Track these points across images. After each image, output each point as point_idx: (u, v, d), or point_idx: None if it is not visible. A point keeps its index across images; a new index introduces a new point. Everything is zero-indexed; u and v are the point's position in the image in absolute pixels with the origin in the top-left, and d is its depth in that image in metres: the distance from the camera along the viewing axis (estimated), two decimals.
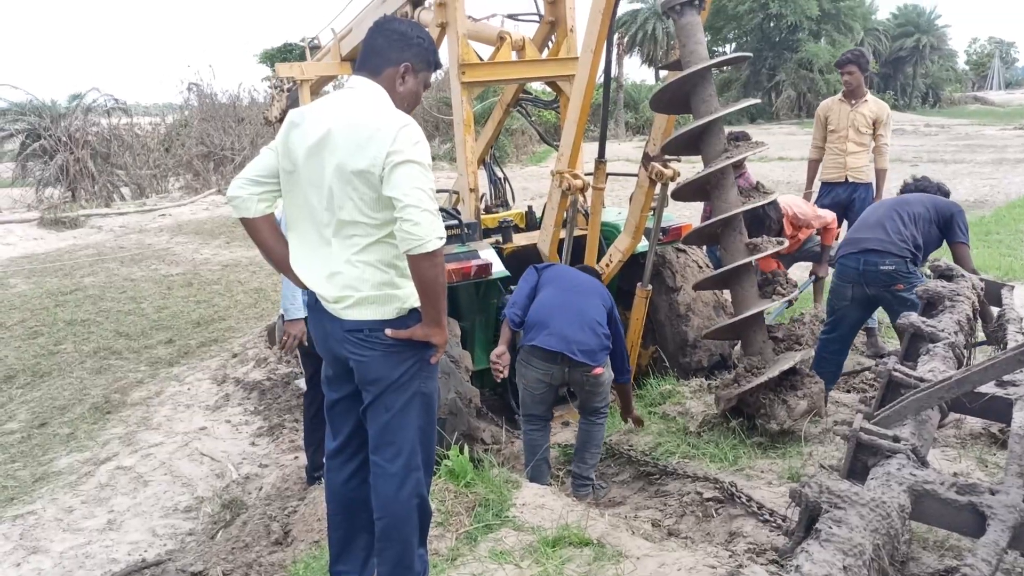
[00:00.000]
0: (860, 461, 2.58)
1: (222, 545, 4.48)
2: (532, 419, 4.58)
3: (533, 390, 4.48)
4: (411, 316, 2.80)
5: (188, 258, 13.41)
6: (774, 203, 5.37)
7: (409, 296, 2.78)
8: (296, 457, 5.48)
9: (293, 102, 7.93)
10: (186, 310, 9.86)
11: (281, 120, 8.34)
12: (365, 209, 2.67)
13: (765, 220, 5.39)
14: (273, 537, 4.40)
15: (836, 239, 6.58)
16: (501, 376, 4.48)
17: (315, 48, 8.25)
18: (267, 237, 2.97)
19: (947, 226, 5.04)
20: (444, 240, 2.61)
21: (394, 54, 2.86)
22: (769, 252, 4.45)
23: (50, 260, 13.85)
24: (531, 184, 18.02)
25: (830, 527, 2.03)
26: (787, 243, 4.93)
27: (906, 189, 5.52)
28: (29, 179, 20.72)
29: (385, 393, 2.81)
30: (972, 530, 2.27)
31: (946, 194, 5.33)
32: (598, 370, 4.38)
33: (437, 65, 3.06)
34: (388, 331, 2.75)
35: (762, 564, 3.33)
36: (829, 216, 6.55)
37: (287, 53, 36.96)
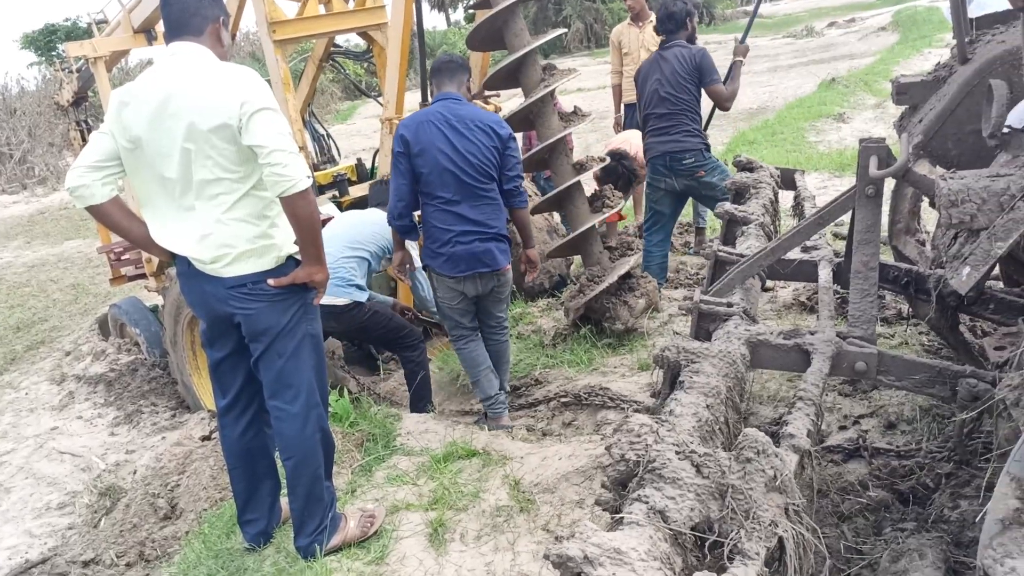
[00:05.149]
0: (703, 328, 2.97)
1: (108, 530, 4.44)
2: (461, 330, 4.42)
3: (451, 302, 4.32)
4: (288, 264, 2.93)
5: None
6: (626, 155, 5.88)
7: (284, 244, 2.91)
8: (164, 437, 5.43)
9: (86, 82, 7.54)
10: (0, 317, 9.26)
11: (75, 103, 7.91)
12: (226, 164, 2.75)
13: (630, 176, 5.92)
14: (161, 513, 4.41)
15: None
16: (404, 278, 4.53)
17: (102, 23, 7.83)
18: (120, 219, 2.99)
19: (699, 72, 5.46)
20: (311, 179, 2.76)
21: (210, 11, 2.94)
22: (595, 168, 4.86)
23: None
24: (343, 142, 17.73)
25: (691, 377, 2.40)
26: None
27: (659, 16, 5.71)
28: None
29: (276, 341, 2.94)
30: (800, 366, 2.71)
31: (692, 9, 5.65)
32: (507, 267, 4.33)
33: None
34: (271, 280, 2.87)
35: None
36: None
37: (51, 35, 34.09)
